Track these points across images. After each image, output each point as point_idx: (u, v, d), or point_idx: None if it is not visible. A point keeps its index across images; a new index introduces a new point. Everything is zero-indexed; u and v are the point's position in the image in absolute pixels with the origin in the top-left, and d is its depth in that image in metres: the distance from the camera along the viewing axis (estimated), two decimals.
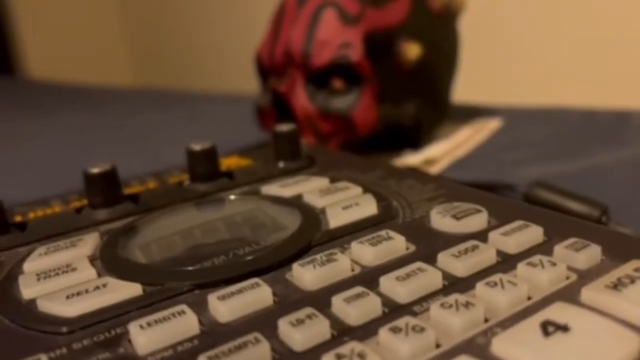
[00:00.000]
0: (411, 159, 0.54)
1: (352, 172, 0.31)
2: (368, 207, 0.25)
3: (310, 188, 0.28)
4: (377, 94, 0.51)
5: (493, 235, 0.22)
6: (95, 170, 0.27)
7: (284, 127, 0.32)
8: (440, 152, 0.55)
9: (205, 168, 0.30)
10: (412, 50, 0.51)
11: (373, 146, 0.55)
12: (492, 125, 0.62)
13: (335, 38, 0.50)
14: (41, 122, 0.88)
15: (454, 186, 0.28)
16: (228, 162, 0.34)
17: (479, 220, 0.23)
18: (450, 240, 0.22)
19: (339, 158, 0.35)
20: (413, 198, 0.27)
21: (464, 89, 0.67)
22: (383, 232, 0.22)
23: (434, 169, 0.51)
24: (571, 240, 0.21)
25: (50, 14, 1.78)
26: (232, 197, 0.28)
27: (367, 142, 0.54)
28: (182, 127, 0.77)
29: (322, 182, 0.29)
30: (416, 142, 0.56)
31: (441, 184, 0.28)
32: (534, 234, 0.22)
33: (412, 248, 0.22)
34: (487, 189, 0.41)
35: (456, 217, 0.23)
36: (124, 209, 0.27)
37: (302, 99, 0.52)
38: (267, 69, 0.54)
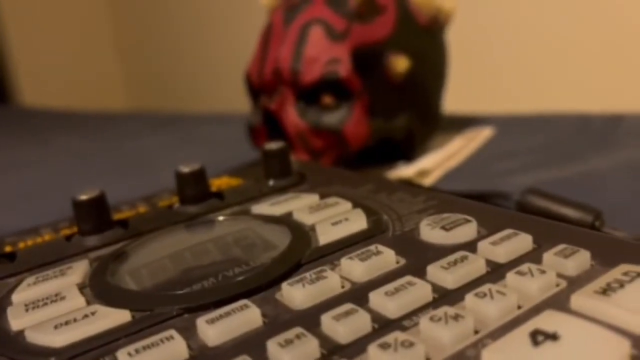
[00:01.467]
0: (404, 171, 0.54)
1: (342, 188, 0.31)
2: (358, 222, 0.25)
3: (300, 205, 0.28)
4: (368, 108, 0.51)
5: (482, 245, 0.22)
6: (83, 197, 0.27)
7: (274, 145, 0.32)
8: (434, 163, 0.55)
9: (194, 190, 0.30)
10: (400, 64, 0.52)
11: (366, 160, 0.55)
12: (484, 134, 0.62)
13: (323, 54, 0.50)
14: (36, 149, 0.88)
15: (444, 197, 0.28)
16: (219, 183, 0.34)
17: (468, 230, 0.23)
18: (440, 251, 0.22)
19: (330, 173, 0.35)
20: (403, 211, 0.27)
21: (456, 98, 0.67)
22: (372, 247, 0.22)
23: (428, 181, 0.51)
24: (560, 247, 0.21)
25: (44, 42, 1.79)
26: (222, 218, 0.28)
27: (360, 156, 0.54)
28: (177, 149, 0.77)
29: (312, 198, 0.29)
30: (409, 154, 0.56)
31: (431, 196, 0.28)
32: (523, 242, 0.22)
33: (402, 261, 0.22)
34: (480, 199, 0.41)
35: (445, 229, 0.23)
36: (114, 235, 0.27)
37: (293, 116, 0.52)
38: (257, 88, 0.55)
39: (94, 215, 0.27)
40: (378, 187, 0.31)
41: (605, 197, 0.42)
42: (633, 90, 0.81)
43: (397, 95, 0.53)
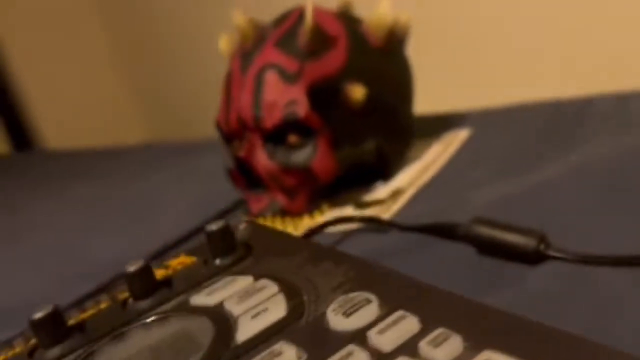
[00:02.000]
0: (380, 192, 0.55)
1: (280, 259, 0.33)
2: (277, 310, 0.27)
3: (232, 292, 0.30)
4: (332, 141, 0.53)
5: (371, 335, 0.24)
6: (38, 315, 0.30)
7: (214, 226, 0.35)
8: (409, 179, 0.56)
9: (142, 286, 0.32)
10: (356, 92, 0.53)
11: (343, 186, 0.57)
12: (460, 136, 0.63)
13: (280, 98, 0.52)
14: (51, 204, 0.93)
15: (362, 268, 0.30)
16: (175, 263, 0.36)
17: (367, 313, 0.25)
18: (339, 341, 0.24)
19: (274, 240, 0.37)
20: (323, 287, 0.29)
21: (432, 98, 0.68)
22: (277, 346, 0.24)
23: (399, 203, 0.52)
24: (436, 332, 0.22)
25: (58, 85, 1.86)
26: (161, 318, 0.31)
27: (337, 184, 0.56)
28: (184, 186, 0.80)
29: (245, 282, 0.31)
30: (385, 173, 0.58)
31: (352, 265, 0.30)
32: (409, 325, 0.23)
33: (304, 357, 0.24)
34: (437, 230, 0.42)
35: (346, 314, 0.25)
36: (71, 344, 0.30)
37: (262, 159, 0.54)
38: (227, 135, 0.57)
39: (51, 330, 0.30)
40: (309, 256, 0.32)
41: (568, 206, 0.43)
42: (603, 72, 0.80)
43: (360, 121, 0.55)
